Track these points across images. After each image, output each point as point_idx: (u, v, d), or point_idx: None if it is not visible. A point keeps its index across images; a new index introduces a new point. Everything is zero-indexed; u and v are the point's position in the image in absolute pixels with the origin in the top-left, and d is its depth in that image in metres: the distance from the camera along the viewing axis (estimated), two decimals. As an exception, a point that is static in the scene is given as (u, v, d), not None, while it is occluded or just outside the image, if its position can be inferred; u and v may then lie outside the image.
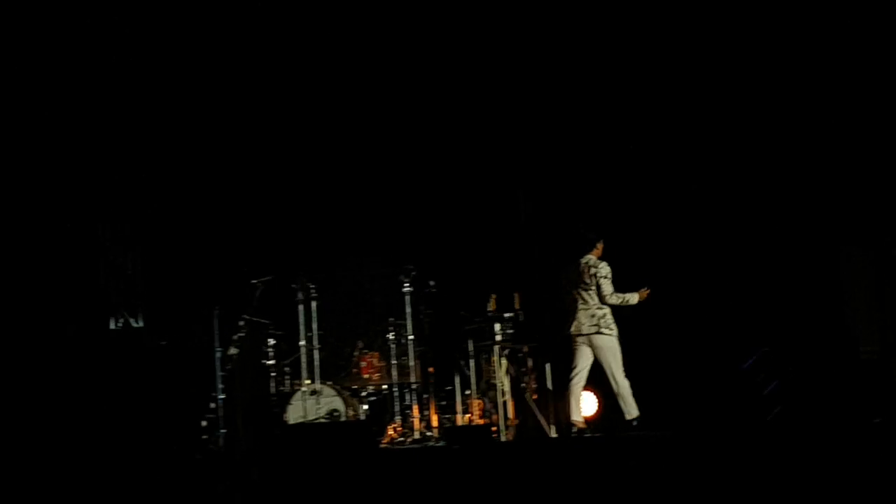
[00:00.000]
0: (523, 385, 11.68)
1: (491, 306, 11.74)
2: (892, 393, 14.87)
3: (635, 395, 10.86)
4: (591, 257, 11.02)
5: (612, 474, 8.80)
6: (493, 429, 11.16)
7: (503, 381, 11.47)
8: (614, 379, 10.76)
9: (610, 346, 10.80)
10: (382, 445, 11.18)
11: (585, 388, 11.23)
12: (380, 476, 8.53)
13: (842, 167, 14.65)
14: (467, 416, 11.60)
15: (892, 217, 15.80)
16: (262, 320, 11.80)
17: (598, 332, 10.84)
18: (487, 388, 11.72)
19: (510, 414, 11.47)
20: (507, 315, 11.64)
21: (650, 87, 13.21)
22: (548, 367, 12.51)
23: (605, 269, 10.92)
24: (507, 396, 11.47)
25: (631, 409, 10.79)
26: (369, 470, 8.73)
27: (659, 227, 13.14)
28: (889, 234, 15.95)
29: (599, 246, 11.11)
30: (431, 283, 11.96)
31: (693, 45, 13.21)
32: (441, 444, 11.07)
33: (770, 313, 14.19)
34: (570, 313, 10.99)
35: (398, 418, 11.81)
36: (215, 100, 13.05)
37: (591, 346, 10.91)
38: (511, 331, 11.73)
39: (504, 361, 11.54)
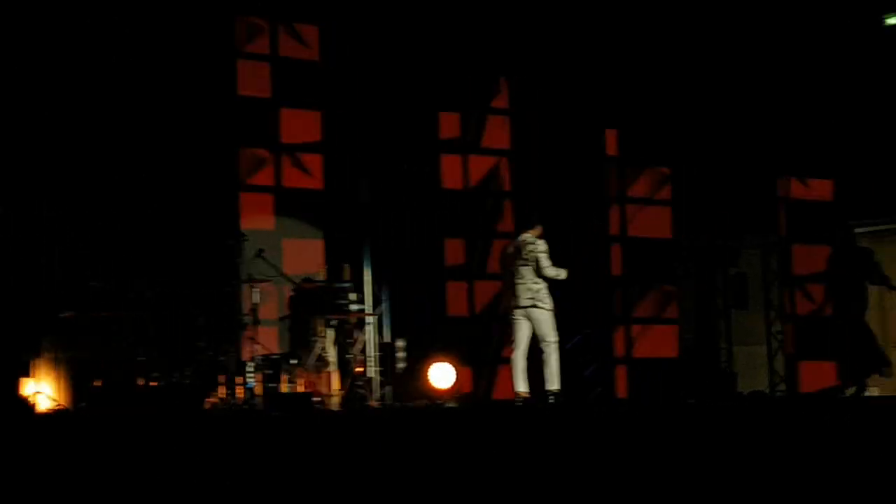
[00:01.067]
0: (349, 356, 11.74)
1: (346, 276, 11.89)
2: (714, 375, 15.46)
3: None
4: (529, 235, 11.41)
5: (430, 445, 8.91)
6: (316, 398, 11.18)
7: (328, 352, 11.52)
8: (545, 350, 11.19)
9: (545, 320, 11.23)
10: (205, 408, 11.10)
11: (443, 359, 11.55)
12: (195, 438, 8.48)
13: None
14: (294, 384, 11.58)
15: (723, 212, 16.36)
16: None
17: (534, 306, 11.23)
18: (315, 359, 11.72)
19: (335, 384, 11.52)
20: (336, 286, 11.70)
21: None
22: (400, 342, 12.68)
23: (542, 245, 11.36)
24: (333, 367, 11.53)
25: (552, 383, 11.21)
26: (187, 432, 8.67)
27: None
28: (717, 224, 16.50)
29: (539, 228, 11.51)
30: (262, 249, 11.87)
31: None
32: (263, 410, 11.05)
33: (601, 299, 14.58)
34: (508, 288, 11.40)
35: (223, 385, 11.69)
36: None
37: (529, 318, 11.28)
38: (342, 301, 11.82)
39: (331, 332, 11.58)
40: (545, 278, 11.30)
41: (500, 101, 13.76)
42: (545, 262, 11.28)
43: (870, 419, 10.50)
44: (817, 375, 15.49)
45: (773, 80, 15.86)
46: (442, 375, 11.75)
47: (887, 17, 16.24)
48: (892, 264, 19.95)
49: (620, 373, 14.48)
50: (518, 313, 11.31)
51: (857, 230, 17.99)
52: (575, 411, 10.90)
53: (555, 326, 11.36)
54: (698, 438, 9.64)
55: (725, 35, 15.51)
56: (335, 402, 11.42)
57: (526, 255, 11.32)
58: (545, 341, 11.25)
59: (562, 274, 11.40)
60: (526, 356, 11.39)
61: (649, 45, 14.86)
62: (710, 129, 15.66)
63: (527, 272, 11.29)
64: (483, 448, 9.04)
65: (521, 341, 11.32)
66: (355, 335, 11.88)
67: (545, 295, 11.32)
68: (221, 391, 11.08)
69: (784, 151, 16.00)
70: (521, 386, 11.29)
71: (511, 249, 11.48)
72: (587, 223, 14.57)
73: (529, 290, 11.27)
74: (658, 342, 14.80)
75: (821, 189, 16.09)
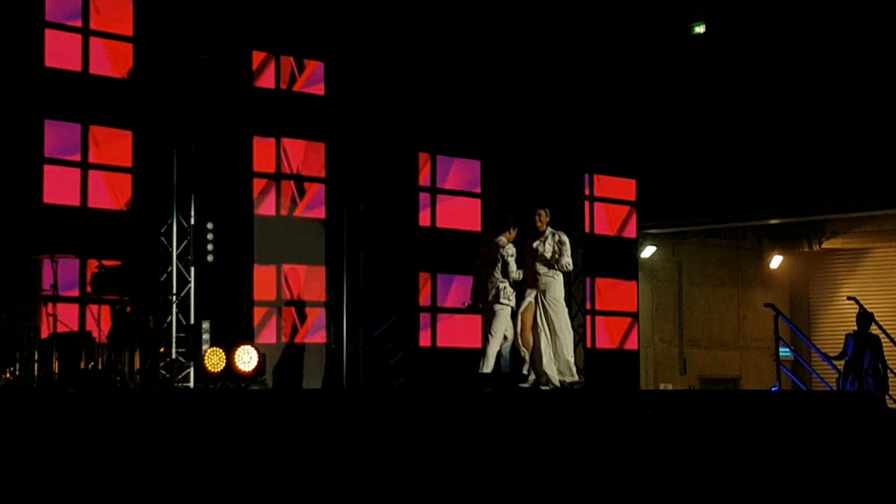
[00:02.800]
0: (152, 336, 11.64)
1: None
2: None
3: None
4: (503, 238, 11.90)
5: (227, 426, 8.90)
6: (116, 377, 11.02)
7: (131, 331, 11.39)
8: (487, 339, 11.94)
9: (500, 315, 11.85)
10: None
11: (245, 343, 11.66)
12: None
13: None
14: (95, 362, 11.39)
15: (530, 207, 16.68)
16: None
17: (497, 302, 11.83)
18: (118, 337, 11.57)
19: (136, 364, 11.40)
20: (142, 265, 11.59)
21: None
22: (206, 323, 12.58)
23: (511, 248, 11.92)
24: (135, 346, 11.40)
25: (486, 365, 11.90)
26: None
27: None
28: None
29: (513, 231, 12.04)
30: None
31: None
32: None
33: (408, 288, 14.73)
34: (483, 286, 12.05)
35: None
36: None
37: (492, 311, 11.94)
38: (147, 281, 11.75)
39: (134, 312, 11.45)
40: (507, 278, 11.94)
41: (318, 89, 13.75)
42: (514, 265, 11.91)
43: (671, 409, 10.89)
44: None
45: (585, 81, 16.29)
46: (246, 358, 11.74)
47: (695, 26, 16.84)
48: (691, 265, 20.80)
49: (424, 361, 14.65)
50: (485, 308, 12.09)
51: (657, 231, 18.64)
52: (377, 398, 10.98)
53: (504, 323, 11.91)
54: (492, 426, 9.85)
55: (539, 36, 15.86)
56: (135, 381, 11.28)
57: (496, 256, 11.89)
58: (489, 330, 11.94)
59: (519, 275, 12.03)
60: (497, 345, 11.95)
61: (466, 43, 15.11)
62: (520, 126, 15.98)
63: (495, 272, 11.92)
64: (281, 431, 9.07)
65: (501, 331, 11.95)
66: (160, 315, 11.76)
67: (507, 293, 11.93)
68: (17, 368, 10.83)
69: (590, 150, 16.43)
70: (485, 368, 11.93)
71: (484, 250, 12.21)
72: (397, 213, 14.70)
73: (495, 287, 11.91)
74: (462, 332, 15.02)
75: (625, 188, 16.58)
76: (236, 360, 11.76)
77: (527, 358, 11.83)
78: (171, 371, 11.97)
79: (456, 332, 14.97)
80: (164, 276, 12.69)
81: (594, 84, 16.36)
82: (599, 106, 16.45)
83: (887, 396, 14.80)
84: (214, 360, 11.71)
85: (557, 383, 11.73)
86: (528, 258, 11.88)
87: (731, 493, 10.08)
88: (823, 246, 20.64)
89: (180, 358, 12.43)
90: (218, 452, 8.83)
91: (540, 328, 11.76)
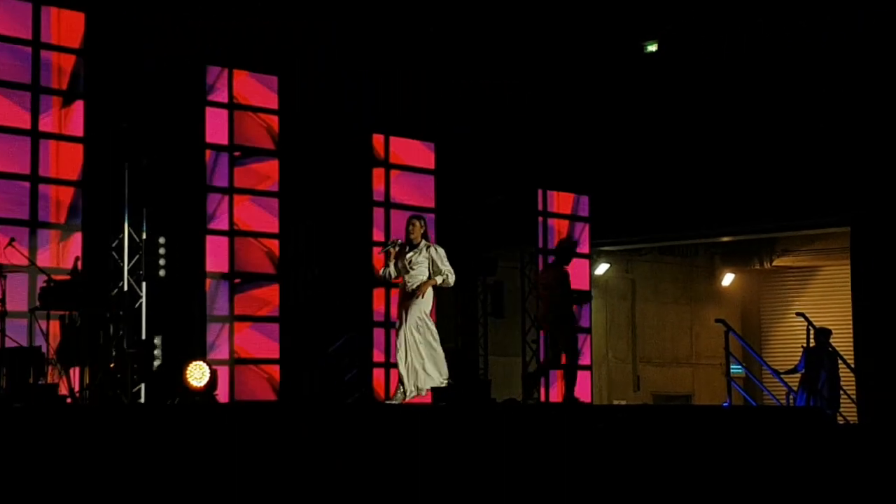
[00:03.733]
0: (102, 351, 11.53)
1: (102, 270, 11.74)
2: (469, 381, 15.76)
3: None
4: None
5: (179, 441, 8.86)
6: (64, 393, 10.92)
7: (81, 346, 11.28)
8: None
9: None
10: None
11: (197, 359, 11.60)
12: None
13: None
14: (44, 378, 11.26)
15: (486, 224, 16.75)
16: None
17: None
18: (67, 353, 11.45)
19: (86, 379, 11.28)
20: (92, 279, 11.49)
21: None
22: (157, 339, 12.49)
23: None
24: (85, 362, 11.29)
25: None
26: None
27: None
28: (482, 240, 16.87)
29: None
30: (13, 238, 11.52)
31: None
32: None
33: (361, 302, 14.71)
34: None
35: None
36: None
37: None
38: (97, 295, 11.64)
39: (84, 326, 11.34)
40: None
41: (271, 102, 13.71)
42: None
43: (622, 426, 10.93)
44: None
45: (540, 98, 16.37)
46: (198, 374, 11.66)
47: (647, 45, 16.97)
48: (645, 282, 20.92)
49: (378, 376, 14.62)
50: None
51: (611, 248, 18.73)
52: (331, 413, 10.96)
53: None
54: (443, 440, 9.86)
55: (491, 54, 15.93)
56: (85, 397, 11.17)
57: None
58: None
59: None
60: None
61: (418, 47, 15.15)
62: (475, 139, 16.03)
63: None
64: (234, 446, 9.02)
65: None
66: (110, 330, 11.68)
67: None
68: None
69: (544, 166, 16.50)
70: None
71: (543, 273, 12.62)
72: (350, 227, 14.69)
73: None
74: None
75: (579, 204, 16.66)
76: (187, 375, 11.69)
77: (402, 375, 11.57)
78: (121, 387, 11.86)
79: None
80: (116, 290, 12.59)
81: (548, 101, 16.44)
82: (554, 123, 16.53)
83: (838, 414, 14.94)
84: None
85: (404, 397, 11.53)
86: (400, 270, 11.61)
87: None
88: (774, 264, 20.82)
89: (133, 374, 12.30)
90: (169, 468, 8.77)
91: (409, 343, 11.47)
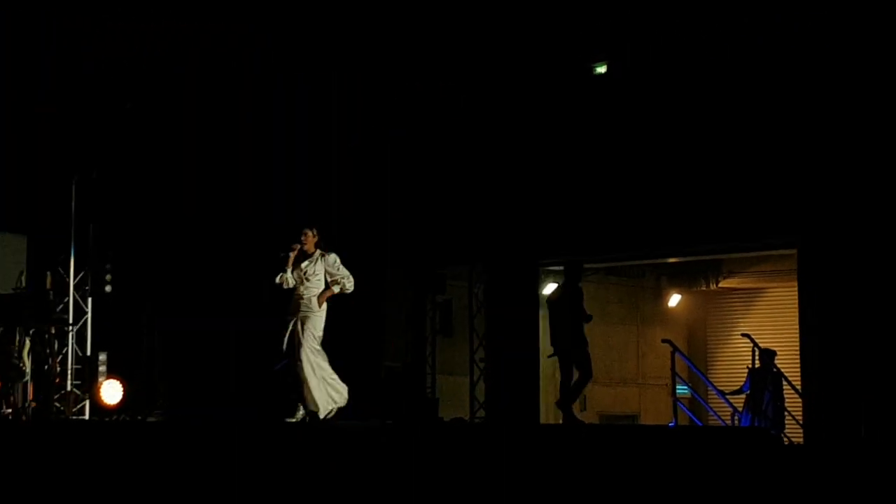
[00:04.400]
0: (47, 367, 11.41)
1: (48, 284, 11.57)
2: (417, 399, 15.83)
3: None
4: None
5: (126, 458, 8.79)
6: (7, 410, 10.79)
7: (24, 362, 11.15)
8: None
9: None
10: None
11: (111, 376, 11.42)
12: None
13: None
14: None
15: (435, 241, 16.77)
16: None
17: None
18: (9, 369, 11.31)
19: (30, 395, 11.15)
20: (36, 293, 11.37)
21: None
22: (102, 355, 12.39)
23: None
24: (28, 377, 11.16)
25: None
26: None
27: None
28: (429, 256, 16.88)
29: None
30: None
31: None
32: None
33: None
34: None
35: None
36: None
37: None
38: (42, 310, 11.52)
39: (28, 342, 11.22)
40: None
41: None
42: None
43: (569, 445, 10.95)
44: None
45: (492, 116, 16.43)
46: (111, 392, 11.63)
47: (596, 66, 17.07)
48: (591, 302, 20.94)
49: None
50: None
51: (557, 268, 18.78)
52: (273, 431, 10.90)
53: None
54: (396, 459, 9.83)
55: (447, 68, 15.97)
56: (27, 413, 11.04)
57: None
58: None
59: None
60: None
61: (374, 61, 15.20)
62: (424, 158, 16.06)
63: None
64: (177, 463, 8.95)
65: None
66: (55, 346, 11.55)
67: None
68: None
69: (493, 185, 16.53)
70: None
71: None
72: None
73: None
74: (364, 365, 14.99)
75: (527, 223, 16.70)
76: (101, 393, 11.63)
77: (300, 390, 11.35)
78: (66, 403, 11.74)
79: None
80: (61, 306, 12.48)
81: (500, 119, 16.49)
82: (504, 141, 16.58)
83: (783, 434, 15.05)
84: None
85: (321, 414, 11.32)
86: (296, 281, 11.43)
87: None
88: (720, 285, 20.96)
89: (76, 390, 12.20)
90: (112, 485, 8.69)
91: (297, 357, 11.28)
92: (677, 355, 14.96)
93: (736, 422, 15.90)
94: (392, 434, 10.45)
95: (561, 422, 14.40)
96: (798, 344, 15.54)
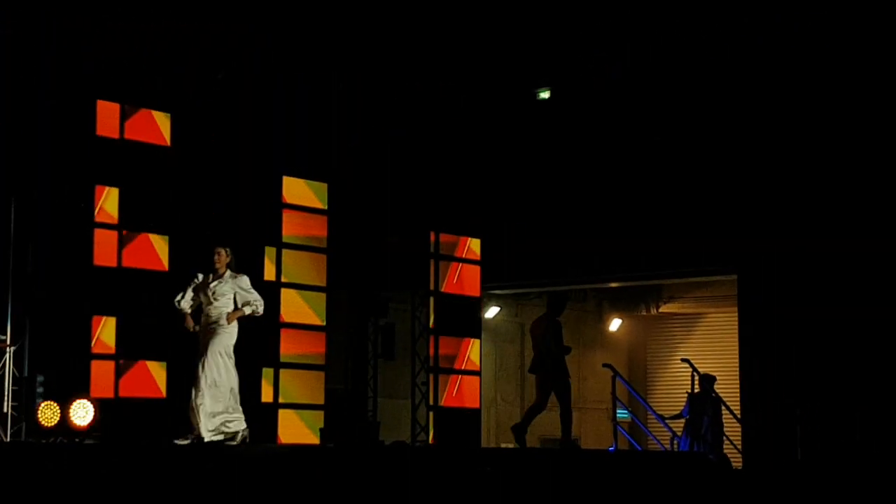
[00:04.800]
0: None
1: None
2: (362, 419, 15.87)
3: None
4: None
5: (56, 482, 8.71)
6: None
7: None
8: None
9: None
10: None
11: (81, 396, 11.35)
12: None
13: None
14: None
15: (377, 265, 16.79)
16: None
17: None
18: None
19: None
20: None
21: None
22: (39, 377, 12.29)
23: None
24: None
25: None
26: None
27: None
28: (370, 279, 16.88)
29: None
30: None
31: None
32: None
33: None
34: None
35: None
36: None
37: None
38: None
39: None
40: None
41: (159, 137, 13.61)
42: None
43: (510, 468, 10.97)
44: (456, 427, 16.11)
45: (435, 138, 16.50)
46: (82, 412, 11.48)
47: (540, 92, 17.21)
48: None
49: (271, 417, 14.51)
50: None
51: (501, 291, 18.85)
52: (217, 454, 10.84)
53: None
54: (336, 482, 9.81)
55: (392, 97, 16.05)
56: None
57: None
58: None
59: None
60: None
61: (313, 88, 15.21)
62: (368, 180, 16.09)
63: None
64: (117, 487, 8.89)
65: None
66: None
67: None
68: None
69: (438, 208, 16.58)
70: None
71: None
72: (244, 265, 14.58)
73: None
74: (307, 388, 14.95)
75: (470, 247, 16.76)
76: (71, 414, 11.49)
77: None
78: (2, 425, 11.61)
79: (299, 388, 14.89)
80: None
81: (443, 144, 16.57)
82: (447, 166, 16.65)
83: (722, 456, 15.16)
84: (48, 413, 11.43)
85: (210, 437, 10.96)
86: (203, 301, 11.19)
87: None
88: (661, 310, 21.14)
89: (13, 412, 12.07)
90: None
91: (200, 378, 10.94)
92: (618, 380, 15.04)
93: (675, 446, 16.01)
94: (333, 457, 10.44)
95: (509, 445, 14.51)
96: (736, 368, 15.71)
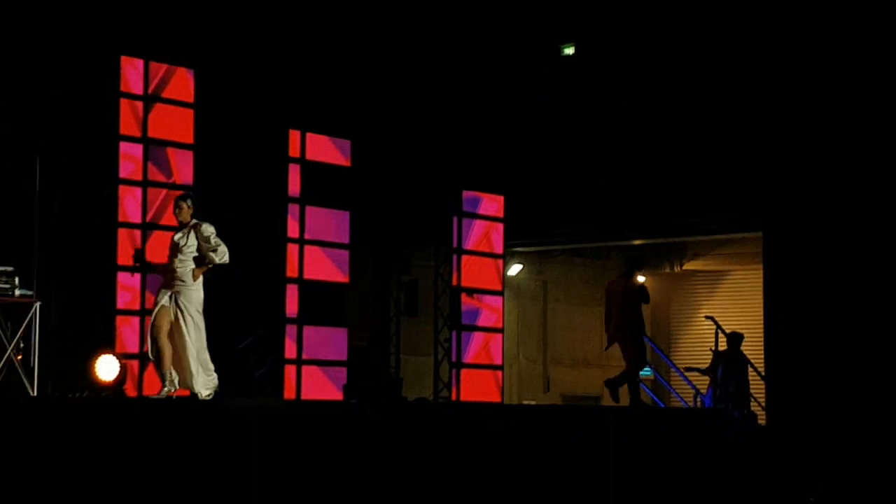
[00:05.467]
0: (9, 343, 11.37)
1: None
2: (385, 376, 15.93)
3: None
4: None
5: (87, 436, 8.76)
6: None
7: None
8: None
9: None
10: None
11: (107, 352, 11.35)
12: None
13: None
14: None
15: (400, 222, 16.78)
16: None
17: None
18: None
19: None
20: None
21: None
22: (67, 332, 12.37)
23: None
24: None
25: None
26: None
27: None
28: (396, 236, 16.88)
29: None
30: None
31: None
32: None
33: (273, 298, 14.64)
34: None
35: None
36: None
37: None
38: (4, 285, 11.46)
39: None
40: None
41: (185, 94, 13.59)
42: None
43: (527, 426, 10.99)
44: (478, 384, 16.12)
45: (458, 95, 16.42)
46: (107, 368, 11.49)
47: (564, 47, 17.09)
48: (556, 283, 21.06)
49: (290, 374, 14.54)
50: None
51: (524, 249, 18.84)
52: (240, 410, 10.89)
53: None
54: (359, 437, 9.86)
55: (412, 55, 15.96)
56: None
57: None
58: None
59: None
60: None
61: (337, 46, 15.11)
62: (391, 137, 16.04)
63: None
64: (140, 441, 8.94)
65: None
66: (18, 321, 11.48)
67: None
68: None
69: (461, 166, 16.54)
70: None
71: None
72: (265, 223, 14.60)
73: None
74: (329, 345, 14.97)
75: (493, 204, 16.71)
76: (97, 369, 11.53)
77: (165, 367, 10.79)
78: (28, 379, 11.68)
79: (321, 345, 14.92)
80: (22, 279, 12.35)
81: (467, 101, 16.49)
82: (471, 123, 16.58)
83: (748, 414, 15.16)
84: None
85: (202, 395, 10.83)
86: (169, 254, 10.90)
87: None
88: (684, 267, 21.08)
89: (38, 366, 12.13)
90: (75, 462, 8.67)
91: (177, 334, 10.73)
92: (641, 337, 15.02)
93: (698, 403, 16.01)
94: (356, 413, 10.49)
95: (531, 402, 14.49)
96: (760, 327, 15.65)
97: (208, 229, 10.90)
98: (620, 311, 14.14)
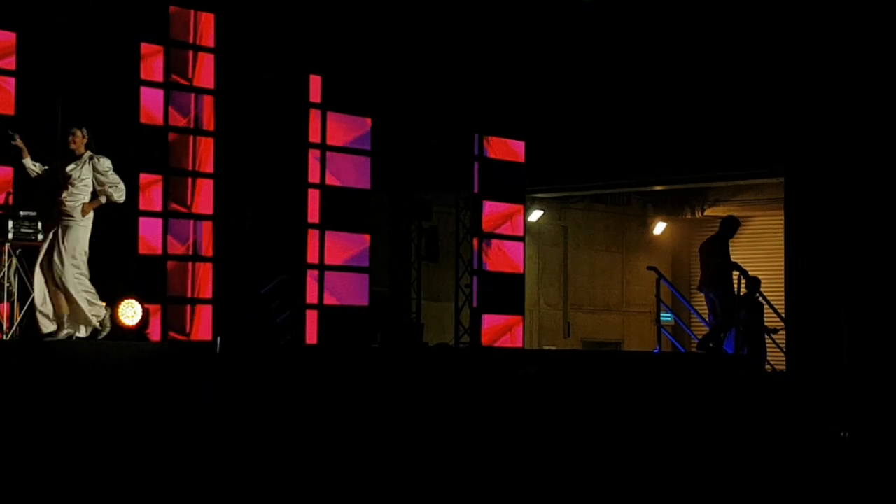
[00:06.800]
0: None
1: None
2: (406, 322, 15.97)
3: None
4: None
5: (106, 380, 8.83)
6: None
7: (11, 282, 11.11)
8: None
9: None
10: None
11: (130, 297, 11.30)
12: None
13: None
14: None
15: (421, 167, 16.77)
16: None
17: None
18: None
19: (16, 316, 11.15)
20: (22, 213, 11.26)
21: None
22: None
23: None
24: (14, 298, 11.13)
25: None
26: None
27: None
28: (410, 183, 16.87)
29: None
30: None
31: None
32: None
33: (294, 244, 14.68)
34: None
35: None
36: None
37: None
38: (27, 230, 11.43)
39: (14, 262, 11.17)
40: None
41: (206, 39, 13.55)
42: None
43: (549, 372, 11.04)
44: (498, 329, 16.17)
45: (477, 41, 16.32)
46: (130, 313, 11.55)
47: (586, -7, 16.95)
48: (577, 229, 21.05)
49: (311, 319, 14.61)
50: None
51: (544, 195, 18.81)
52: (263, 356, 10.96)
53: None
54: (380, 383, 9.91)
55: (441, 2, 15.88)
56: (13, 334, 11.04)
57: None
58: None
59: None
60: None
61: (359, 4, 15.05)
62: (412, 85, 15.97)
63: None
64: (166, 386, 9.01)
65: None
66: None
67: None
68: None
69: (480, 111, 16.47)
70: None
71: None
72: (286, 168, 14.59)
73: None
74: (350, 290, 15.01)
75: (513, 150, 16.66)
76: (119, 314, 11.58)
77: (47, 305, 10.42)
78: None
79: (342, 290, 14.96)
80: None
81: (486, 46, 16.39)
82: (491, 68, 16.49)
83: (766, 362, 15.18)
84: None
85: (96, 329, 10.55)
86: (61, 187, 10.27)
87: (613, 448, 10.28)
88: (706, 213, 21.04)
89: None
90: (97, 405, 8.75)
91: (51, 270, 10.30)
92: (662, 283, 15.02)
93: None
94: (378, 358, 10.54)
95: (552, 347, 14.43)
96: (781, 272, 15.64)
97: (105, 163, 10.42)
98: (707, 268, 14.39)
